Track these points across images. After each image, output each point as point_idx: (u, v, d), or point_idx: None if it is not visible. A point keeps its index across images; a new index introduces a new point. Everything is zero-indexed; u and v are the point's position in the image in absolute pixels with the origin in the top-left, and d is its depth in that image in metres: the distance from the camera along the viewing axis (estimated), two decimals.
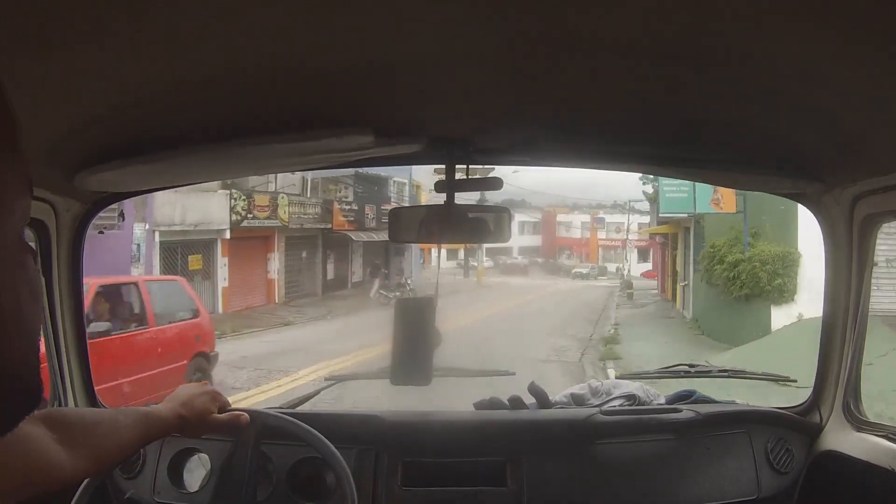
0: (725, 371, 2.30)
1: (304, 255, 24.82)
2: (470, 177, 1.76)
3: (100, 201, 1.83)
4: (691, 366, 2.29)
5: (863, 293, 1.75)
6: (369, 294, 25.06)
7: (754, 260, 14.32)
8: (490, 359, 10.99)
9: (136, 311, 8.61)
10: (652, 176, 17.04)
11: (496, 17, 0.96)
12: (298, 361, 11.87)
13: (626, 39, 1.03)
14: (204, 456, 1.86)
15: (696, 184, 13.03)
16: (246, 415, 1.57)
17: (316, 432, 1.63)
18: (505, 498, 1.85)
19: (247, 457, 1.64)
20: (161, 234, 17.18)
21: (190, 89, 1.19)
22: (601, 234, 58.30)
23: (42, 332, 1.77)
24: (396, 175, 30.54)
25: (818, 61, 1.05)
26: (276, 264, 22.73)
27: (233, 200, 19.65)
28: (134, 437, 1.29)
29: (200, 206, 18.43)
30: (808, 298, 12.98)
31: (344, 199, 26.84)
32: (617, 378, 2.30)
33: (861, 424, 1.79)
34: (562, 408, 2.11)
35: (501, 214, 1.74)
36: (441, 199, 1.70)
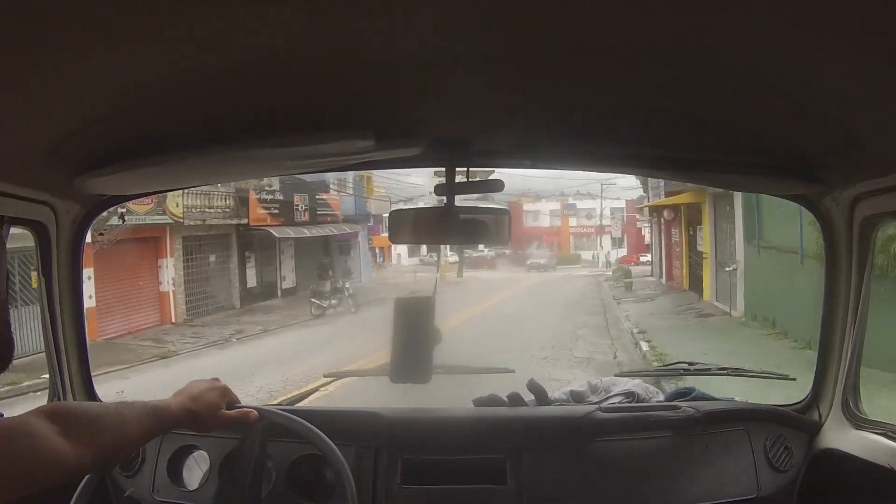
0: (724, 369, 2.27)
1: (212, 259, 20.30)
2: (470, 179, 1.74)
3: (100, 204, 1.85)
4: (690, 363, 2.27)
5: (863, 293, 1.75)
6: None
7: None
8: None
9: None
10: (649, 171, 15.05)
11: (496, 19, 0.96)
12: None
13: (627, 42, 1.03)
14: (203, 454, 1.86)
15: None
16: (255, 412, 1.57)
17: (320, 433, 1.63)
18: (504, 495, 1.85)
19: (253, 454, 1.62)
20: None
21: (190, 92, 1.19)
22: (573, 222, 55.20)
23: (43, 334, 1.81)
24: None
25: (818, 62, 1.05)
26: (169, 273, 18.14)
27: None
28: (140, 429, 1.28)
29: None
30: None
31: (266, 188, 21.89)
32: (616, 376, 2.26)
33: (860, 422, 1.79)
34: (561, 405, 2.11)
35: (501, 216, 1.74)
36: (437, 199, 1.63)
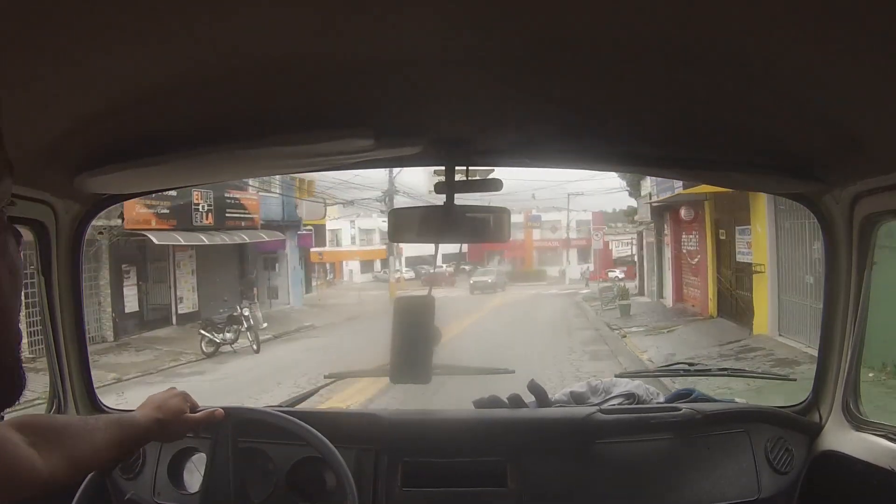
0: (725, 370, 2.35)
1: None
2: (470, 178, 1.75)
3: (99, 203, 1.84)
4: (690, 364, 2.28)
5: (863, 293, 1.75)
6: None
7: None
8: None
9: None
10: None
11: (496, 19, 0.97)
12: None
13: (626, 41, 1.03)
14: (203, 456, 1.85)
15: None
16: (220, 410, 1.57)
17: (294, 419, 1.65)
18: (505, 498, 1.84)
19: (227, 452, 1.64)
20: None
21: (190, 91, 1.19)
22: (536, 235, 51.08)
23: (43, 333, 1.81)
24: None
25: (818, 62, 1.05)
26: None
27: None
28: (108, 440, 1.26)
29: None
30: None
31: None
32: (616, 377, 2.25)
33: (861, 424, 1.78)
34: (561, 406, 2.10)
35: (501, 214, 1.73)
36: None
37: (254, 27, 0.95)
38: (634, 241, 39.94)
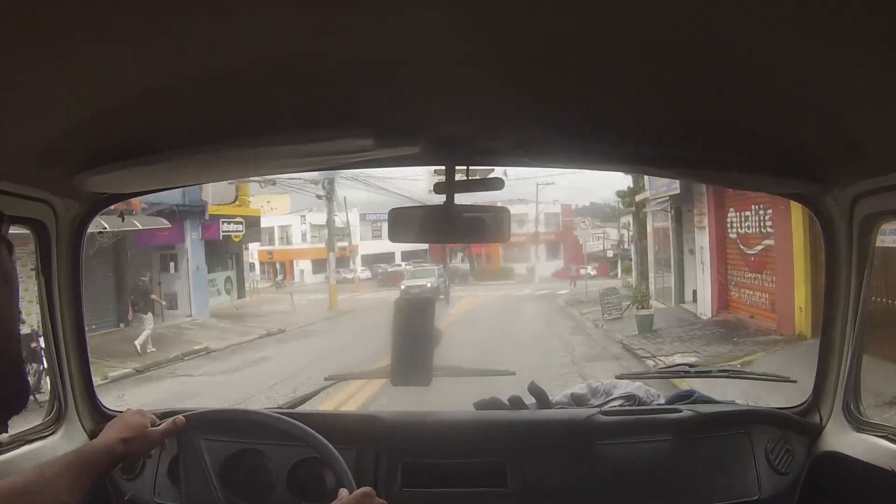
0: (725, 371, 2.29)
1: None
2: (470, 177, 1.76)
3: (99, 202, 1.84)
4: (691, 366, 2.36)
5: (863, 293, 1.75)
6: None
7: None
8: None
9: None
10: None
11: (496, 19, 0.97)
12: None
13: (626, 41, 1.03)
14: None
15: None
16: (181, 417, 1.57)
17: (256, 411, 1.70)
18: (505, 498, 1.84)
19: (196, 457, 1.63)
20: None
21: (190, 91, 1.19)
22: None
23: (43, 333, 1.82)
24: None
25: (818, 62, 1.06)
26: None
27: None
28: (70, 484, 1.26)
29: None
30: None
31: None
32: (617, 378, 2.25)
33: (861, 425, 1.78)
34: (562, 408, 2.10)
35: (501, 214, 1.73)
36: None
37: (253, 27, 0.95)
38: (605, 236, 37.93)
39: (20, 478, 1.27)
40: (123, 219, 12.52)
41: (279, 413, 1.73)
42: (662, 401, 2.11)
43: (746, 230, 13.26)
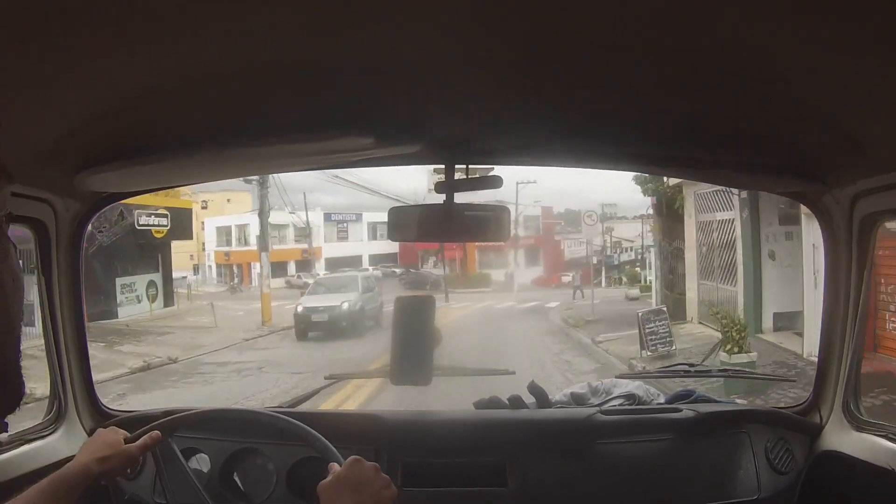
0: (725, 371, 2.34)
1: None
2: (469, 177, 1.76)
3: (99, 202, 1.85)
4: (691, 365, 2.28)
5: (863, 293, 1.75)
6: None
7: None
8: None
9: None
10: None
11: (496, 19, 0.97)
12: None
13: (626, 41, 1.03)
14: (204, 457, 1.86)
15: None
16: (156, 432, 1.54)
17: (227, 408, 1.73)
18: (505, 498, 1.85)
19: (176, 465, 1.62)
20: None
21: (190, 90, 1.20)
22: None
23: (43, 333, 1.80)
24: None
25: (818, 62, 1.06)
26: None
27: None
28: None
29: None
30: None
31: None
32: (617, 378, 2.26)
33: (861, 424, 1.79)
34: (562, 407, 2.11)
35: (501, 213, 1.74)
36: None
37: (253, 28, 0.96)
38: (588, 241, 33.63)
39: None
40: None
41: (276, 412, 1.72)
42: (662, 400, 2.12)
43: None
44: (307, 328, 16.22)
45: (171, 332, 16.47)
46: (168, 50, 1.01)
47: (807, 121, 1.35)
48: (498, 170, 1.96)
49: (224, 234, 43.02)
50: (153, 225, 19.71)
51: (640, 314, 12.24)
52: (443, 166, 1.68)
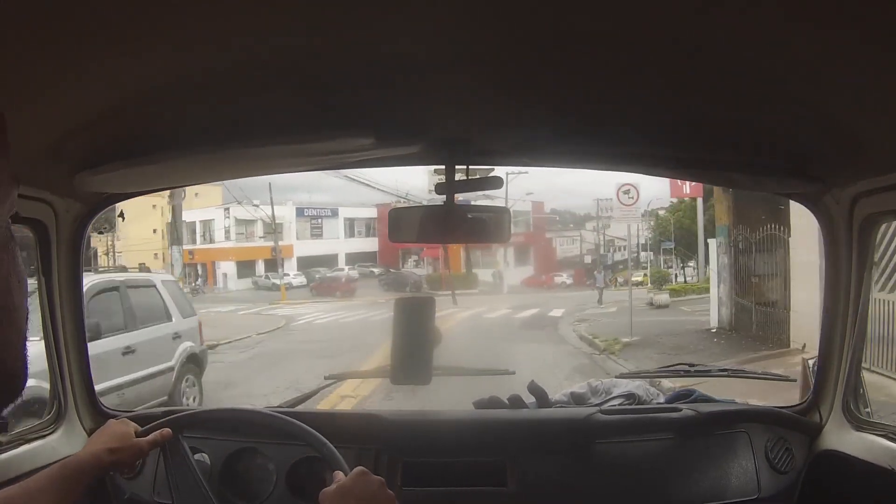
0: (725, 370, 2.30)
1: None
2: (470, 177, 1.76)
3: (100, 202, 1.84)
4: (691, 365, 2.27)
5: (863, 293, 1.75)
6: None
7: None
8: None
9: None
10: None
11: (496, 18, 0.97)
12: None
13: (627, 41, 1.03)
14: (204, 456, 1.85)
15: None
16: (167, 430, 1.56)
17: (243, 409, 1.70)
18: (505, 498, 1.84)
19: (184, 462, 1.61)
20: None
21: (190, 91, 1.20)
22: None
23: (42, 332, 1.79)
24: None
25: (818, 62, 1.05)
26: None
27: None
28: (55, 497, 1.25)
29: None
30: None
31: None
32: (617, 377, 2.26)
33: (861, 424, 1.78)
34: (561, 407, 2.11)
35: (501, 214, 1.74)
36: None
37: (253, 27, 0.95)
38: (581, 238, 34.79)
39: (2, 495, 1.26)
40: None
41: (275, 411, 1.73)
42: (662, 399, 2.12)
43: None
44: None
45: None
46: (168, 50, 1.00)
47: (807, 121, 1.34)
48: (498, 170, 1.96)
49: (189, 230, 39.56)
50: None
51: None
52: (443, 167, 1.67)
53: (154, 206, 30.92)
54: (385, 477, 1.70)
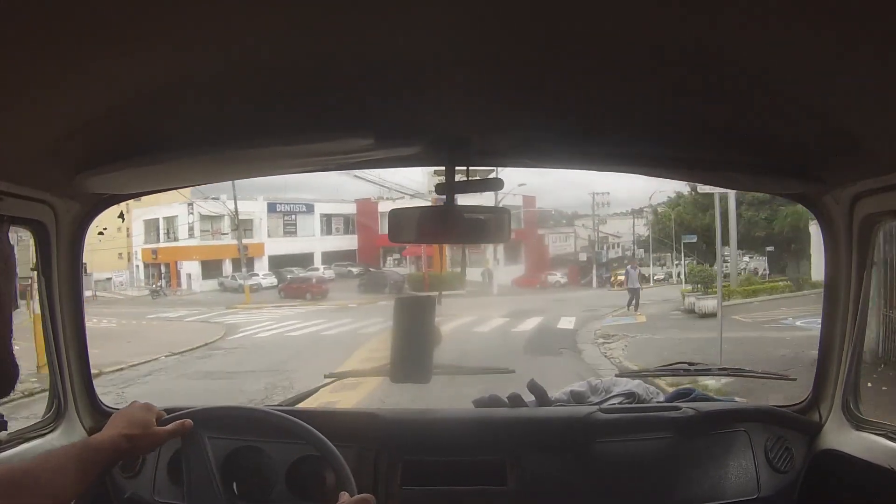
0: (725, 369, 2.29)
1: None
2: (470, 178, 1.75)
3: (100, 203, 1.85)
4: (691, 364, 2.25)
5: (862, 292, 1.76)
6: None
7: None
8: None
9: None
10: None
11: (496, 19, 0.96)
12: None
13: (627, 41, 1.03)
14: None
15: None
16: (189, 420, 1.54)
17: (265, 409, 1.66)
18: (505, 496, 1.85)
19: (201, 457, 1.60)
20: None
21: (190, 91, 1.19)
22: None
23: (43, 333, 1.79)
24: None
25: (818, 62, 1.05)
26: None
27: None
28: (71, 478, 1.24)
29: None
30: None
31: None
32: (616, 376, 2.25)
33: (860, 423, 1.79)
34: (561, 405, 2.11)
35: (501, 215, 1.74)
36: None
37: (253, 28, 0.95)
38: (575, 235, 33.97)
39: (21, 465, 1.27)
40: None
41: (281, 411, 1.72)
42: (662, 398, 2.12)
43: None
44: None
45: None
46: (168, 50, 1.00)
47: (807, 121, 1.33)
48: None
49: (152, 228, 36.81)
50: None
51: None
52: (443, 168, 1.67)
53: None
54: (385, 476, 1.82)
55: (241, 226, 33.13)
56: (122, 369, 11.81)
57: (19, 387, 1.02)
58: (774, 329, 12.35)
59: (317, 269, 36.20)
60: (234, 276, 35.32)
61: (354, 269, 37.10)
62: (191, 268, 36.58)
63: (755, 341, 10.80)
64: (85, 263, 2.07)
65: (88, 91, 1.13)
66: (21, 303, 1.76)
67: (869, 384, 8.57)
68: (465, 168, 1.68)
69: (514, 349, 12.43)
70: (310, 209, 39.36)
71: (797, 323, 12.72)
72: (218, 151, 1.39)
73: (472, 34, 1.01)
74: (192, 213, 36.03)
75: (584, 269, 33.88)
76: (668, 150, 1.53)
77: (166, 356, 13.65)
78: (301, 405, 2.10)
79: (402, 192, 32.84)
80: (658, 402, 2.06)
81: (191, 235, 36.47)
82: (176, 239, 37.06)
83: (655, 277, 30.95)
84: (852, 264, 1.75)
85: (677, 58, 1.07)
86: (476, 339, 11.93)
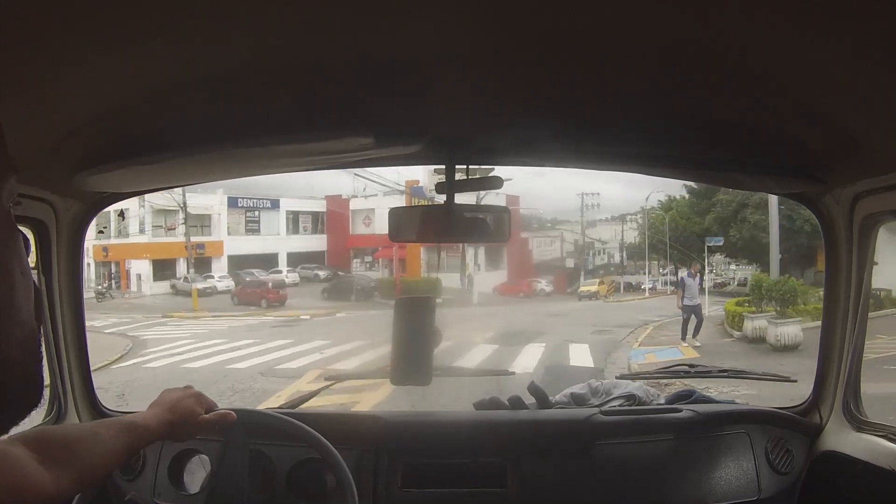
0: (725, 371, 2.27)
1: None
2: (470, 177, 1.76)
3: (100, 201, 1.84)
4: (691, 366, 2.26)
5: (863, 293, 1.75)
6: None
7: None
8: None
9: None
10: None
11: (496, 18, 0.96)
12: None
13: (626, 41, 1.03)
14: (204, 457, 1.85)
15: None
16: (233, 413, 1.52)
17: (305, 427, 1.63)
18: (505, 499, 1.84)
19: (238, 456, 1.61)
20: None
21: (190, 90, 1.20)
22: None
23: (42, 332, 1.68)
24: None
25: (818, 62, 1.05)
26: None
27: None
28: (118, 448, 1.25)
29: None
30: None
31: None
32: (617, 378, 2.24)
33: (861, 424, 1.78)
34: (562, 408, 2.10)
35: (501, 214, 1.73)
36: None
37: (253, 27, 0.95)
38: (562, 239, 32.65)
39: (73, 430, 1.31)
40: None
41: (285, 413, 1.73)
42: (662, 400, 2.11)
43: None
44: None
45: None
46: (167, 50, 1.00)
47: (807, 121, 1.33)
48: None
49: (104, 223, 32.88)
50: None
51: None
52: (443, 167, 1.67)
53: None
54: (385, 478, 1.81)
55: (198, 222, 30.89)
56: None
57: None
58: None
59: (280, 272, 32.77)
60: (187, 278, 31.79)
61: (321, 273, 34.08)
62: (141, 267, 32.99)
63: None
64: None
65: (88, 90, 1.12)
66: None
67: None
68: (465, 167, 1.69)
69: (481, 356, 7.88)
70: (275, 205, 36.45)
71: None
72: (218, 150, 1.38)
73: (473, 34, 1.01)
74: (143, 206, 32.34)
75: (571, 276, 32.03)
76: (669, 149, 1.52)
77: None
78: (301, 407, 2.05)
79: (383, 186, 29.97)
80: (658, 405, 2.05)
81: (141, 231, 32.90)
82: (126, 234, 33.36)
83: (648, 287, 28.26)
84: (852, 264, 1.75)
85: (678, 57, 1.07)
86: (445, 395, 7.35)
